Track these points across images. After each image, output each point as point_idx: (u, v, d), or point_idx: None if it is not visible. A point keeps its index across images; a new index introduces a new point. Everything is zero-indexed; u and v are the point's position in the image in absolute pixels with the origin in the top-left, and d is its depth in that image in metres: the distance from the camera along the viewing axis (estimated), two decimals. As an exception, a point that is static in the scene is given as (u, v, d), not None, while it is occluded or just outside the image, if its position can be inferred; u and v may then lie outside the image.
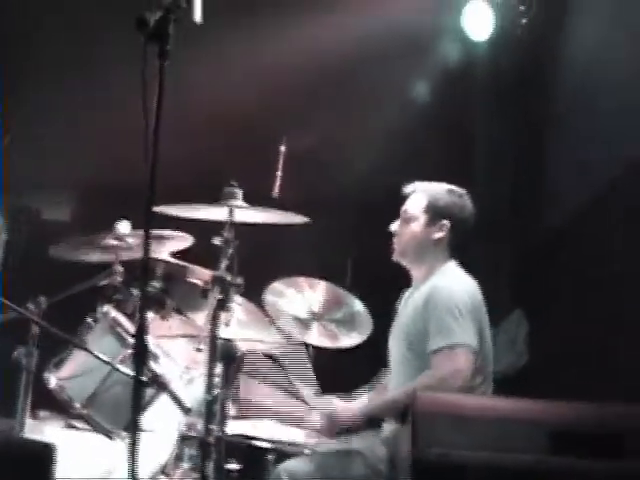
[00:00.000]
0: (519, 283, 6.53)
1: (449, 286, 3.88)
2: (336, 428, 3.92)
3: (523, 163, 6.47)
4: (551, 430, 2.75)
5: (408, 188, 4.10)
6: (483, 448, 2.72)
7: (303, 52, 5.47)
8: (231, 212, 3.76)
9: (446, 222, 4.00)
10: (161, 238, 4.35)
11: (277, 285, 4.78)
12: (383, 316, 4.49)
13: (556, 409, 2.86)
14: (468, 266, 4.15)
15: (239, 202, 3.82)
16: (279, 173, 5.07)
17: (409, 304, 4.01)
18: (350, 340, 4.76)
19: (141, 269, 2.73)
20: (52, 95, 5.69)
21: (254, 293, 4.46)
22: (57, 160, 5.62)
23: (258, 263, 4.60)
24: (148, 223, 2.63)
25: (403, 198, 4.12)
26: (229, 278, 3.65)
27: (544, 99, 6.45)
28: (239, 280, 3.68)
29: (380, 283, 4.28)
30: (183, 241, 4.55)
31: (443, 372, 3.70)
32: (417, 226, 4.02)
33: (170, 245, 4.50)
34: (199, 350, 3.50)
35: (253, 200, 3.90)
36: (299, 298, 4.80)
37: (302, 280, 4.84)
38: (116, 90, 4.35)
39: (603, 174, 5.34)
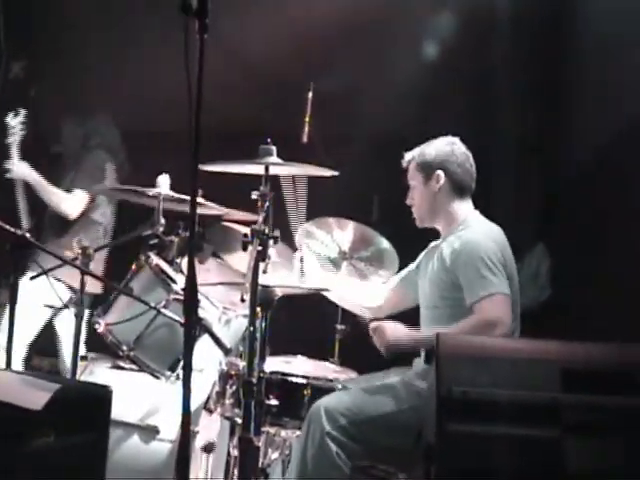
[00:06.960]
0: (542, 217, 6.62)
1: (476, 239, 4.03)
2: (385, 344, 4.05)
3: (543, 101, 6.48)
4: (565, 369, 2.96)
5: (403, 162, 4.32)
6: (502, 386, 2.94)
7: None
8: (267, 169, 3.91)
9: (439, 172, 4.19)
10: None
11: (307, 227, 4.88)
12: (410, 253, 4.66)
13: (570, 349, 3.08)
14: (490, 203, 4.33)
15: (274, 159, 3.94)
16: (307, 119, 5.23)
17: (436, 254, 4.16)
18: (378, 278, 4.84)
19: (190, 223, 2.87)
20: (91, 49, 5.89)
21: (285, 235, 4.57)
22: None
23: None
24: (194, 184, 2.78)
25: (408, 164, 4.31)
26: (267, 231, 3.80)
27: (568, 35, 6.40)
28: (276, 232, 3.87)
29: (405, 220, 4.42)
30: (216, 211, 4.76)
31: (490, 316, 3.81)
32: (419, 190, 4.24)
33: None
34: (243, 300, 3.68)
35: (284, 149, 4.06)
36: (329, 238, 4.88)
37: (331, 220, 4.91)
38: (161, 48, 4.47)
39: (626, 110, 5.35)
